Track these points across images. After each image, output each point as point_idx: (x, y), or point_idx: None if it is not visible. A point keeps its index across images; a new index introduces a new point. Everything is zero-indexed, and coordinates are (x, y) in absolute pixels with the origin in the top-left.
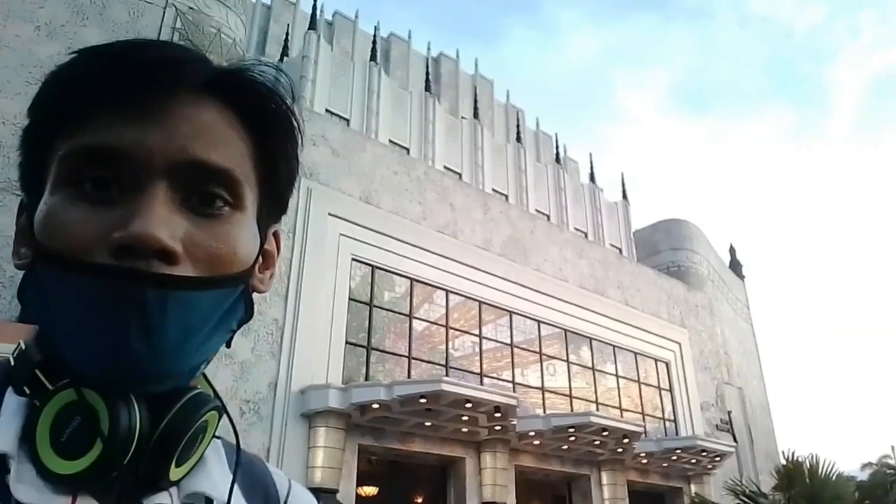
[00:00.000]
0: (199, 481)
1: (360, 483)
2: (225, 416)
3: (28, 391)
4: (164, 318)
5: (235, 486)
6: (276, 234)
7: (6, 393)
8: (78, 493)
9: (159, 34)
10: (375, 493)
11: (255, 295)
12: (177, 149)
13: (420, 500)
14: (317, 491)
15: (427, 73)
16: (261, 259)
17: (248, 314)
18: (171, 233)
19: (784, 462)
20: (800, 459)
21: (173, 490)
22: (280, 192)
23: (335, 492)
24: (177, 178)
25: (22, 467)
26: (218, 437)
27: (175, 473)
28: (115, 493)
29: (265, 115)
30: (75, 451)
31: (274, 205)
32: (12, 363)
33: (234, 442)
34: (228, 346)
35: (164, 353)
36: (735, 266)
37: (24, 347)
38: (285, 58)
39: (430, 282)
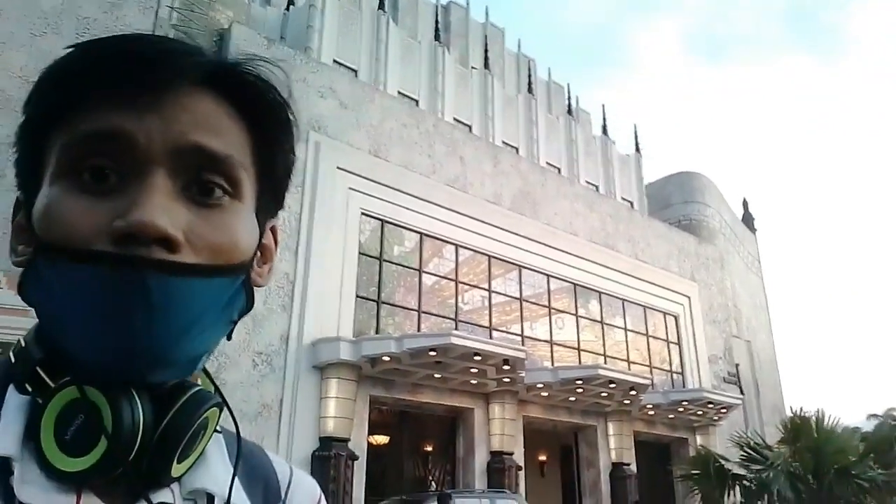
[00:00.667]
0: (201, 477)
1: (371, 432)
2: (226, 410)
3: (30, 389)
4: (166, 305)
5: (236, 479)
6: (273, 229)
7: (7, 391)
8: (82, 491)
9: None
10: (386, 441)
11: None
12: (176, 135)
13: (430, 449)
14: (329, 439)
15: (437, 22)
16: (259, 253)
17: (249, 305)
18: (171, 221)
19: (790, 415)
20: (806, 414)
21: (175, 486)
22: (277, 185)
23: (347, 440)
24: (176, 164)
25: (26, 467)
26: (219, 431)
27: (177, 470)
28: (119, 491)
29: (261, 110)
30: (80, 448)
31: (271, 198)
32: (12, 360)
33: (235, 432)
34: (229, 338)
35: (167, 340)
36: (747, 219)
37: (23, 345)
38: (291, 6)
39: (439, 236)
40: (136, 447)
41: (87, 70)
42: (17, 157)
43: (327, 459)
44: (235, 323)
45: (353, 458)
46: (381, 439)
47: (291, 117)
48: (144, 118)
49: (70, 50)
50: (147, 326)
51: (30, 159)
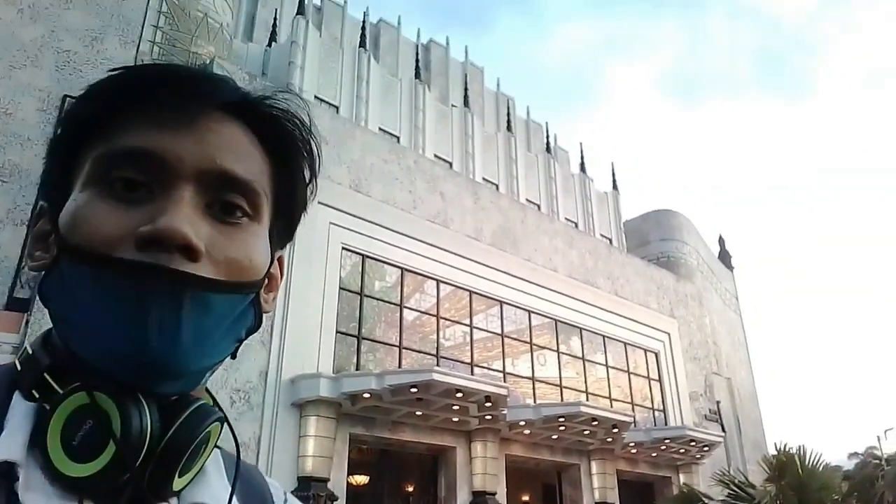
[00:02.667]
0: (200, 492)
1: (350, 472)
2: (227, 426)
3: (37, 395)
4: (182, 315)
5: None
6: (280, 260)
7: (13, 397)
8: (85, 499)
9: (145, 17)
10: (366, 481)
11: None
12: (206, 157)
13: (411, 489)
14: (307, 479)
15: (417, 61)
16: (266, 280)
17: (257, 324)
18: (195, 231)
19: (774, 452)
20: (790, 451)
21: (174, 501)
22: (291, 216)
23: (326, 480)
24: (203, 184)
25: (31, 474)
26: (217, 447)
27: (177, 484)
28: (120, 503)
29: (283, 142)
30: (87, 453)
31: (284, 227)
32: (19, 367)
33: (234, 452)
34: (234, 356)
35: (180, 349)
36: (724, 257)
37: (30, 352)
38: (273, 43)
39: (420, 271)
40: (144, 453)
41: (127, 87)
42: (46, 167)
43: (306, 500)
44: (242, 341)
45: (333, 498)
46: (361, 479)
47: (313, 153)
48: (177, 139)
49: (115, 72)
50: (162, 335)
51: (60, 169)
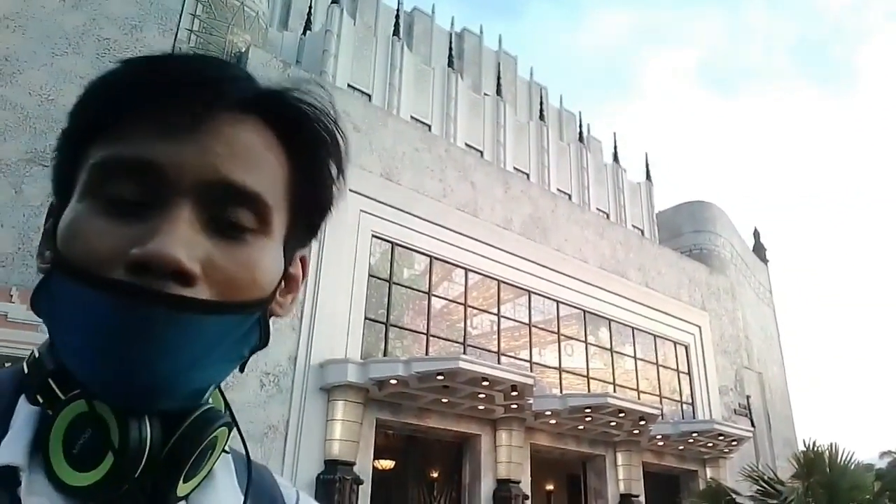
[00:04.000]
0: (207, 497)
1: (376, 456)
2: (236, 431)
3: (41, 400)
4: (172, 340)
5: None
6: (303, 259)
7: (19, 401)
8: None
9: (183, 6)
10: (391, 466)
11: None
12: (208, 168)
13: (435, 475)
14: (334, 463)
15: (450, 49)
16: (283, 284)
17: (263, 342)
18: (190, 253)
19: (803, 449)
20: (819, 448)
21: None
22: (313, 218)
23: (352, 464)
24: (203, 197)
25: (33, 479)
26: (227, 451)
27: (183, 489)
28: None
29: (305, 141)
30: (87, 462)
31: (305, 230)
32: (26, 370)
33: (244, 454)
34: (242, 370)
35: (170, 375)
36: (759, 250)
37: (37, 355)
38: (308, 31)
39: (449, 260)
40: (143, 464)
41: (128, 89)
42: (55, 163)
43: (332, 483)
44: (247, 358)
45: (359, 482)
46: (387, 464)
47: (340, 149)
48: (178, 148)
49: (117, 65)
50: (149, 360)
51: (67, 167)
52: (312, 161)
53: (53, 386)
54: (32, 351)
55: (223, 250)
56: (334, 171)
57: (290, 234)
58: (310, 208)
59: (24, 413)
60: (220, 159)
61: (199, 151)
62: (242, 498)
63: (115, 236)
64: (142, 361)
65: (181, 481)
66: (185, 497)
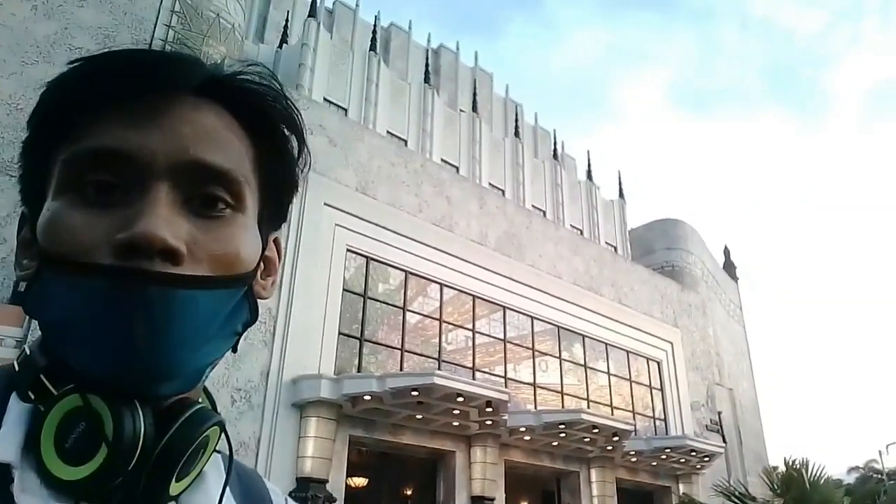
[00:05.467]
0: (198, 497)
1: (350, 474)
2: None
3: (33, 396)
4: (168, 317)
5: (233, 501)
6: (276, 241)
7: (10, 399)
8: (80, 502)
9: (157, 16)
10: (365, 484)
11: None
12: (178, 150)
13: (409, 493)
14: (306, 480)
15: (427, 65)
16: (262, 265)
17: (253, 317)
18: (174, 232)
19: (775, 465)
20: (796, 464)
21: None
22: (280, 196)
23: (325, 482)
24: (178, 179)
25: (25, 476)
26: (217, 452)
27: (175, 488)
28: None
29: (263, 120)
30: (80, 456)
31: (274, 210)
32: (16, 368)
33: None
34: (235, 350)
35: (169, 352)
36: (729, 267)
37: (28, 353)
38: (284, 45)
39: (424, 275)
40: (136, 458)
41: (87, 84)
42: (22, 172)
43: (304, 501)
44: (240, 335)
45: (331, 500)
46: (360, 481)
47: (297, 124)
48: (145, 133)
49: (72, 64)
50: (149, 338)
51: (34, 174)
52: (272, 139)
53: (46, 382)
54: (23, 349)
55: (204, 229)
56: (295, 147)
57: (261, 213)
58: (278, 186)
59: (15, 410)
60: (188, 141)
61: (167, 136)
62: (232, 499)
63: (99, 225)
64: (141, 341)
65: (173, 480)
66: (177, 497)
